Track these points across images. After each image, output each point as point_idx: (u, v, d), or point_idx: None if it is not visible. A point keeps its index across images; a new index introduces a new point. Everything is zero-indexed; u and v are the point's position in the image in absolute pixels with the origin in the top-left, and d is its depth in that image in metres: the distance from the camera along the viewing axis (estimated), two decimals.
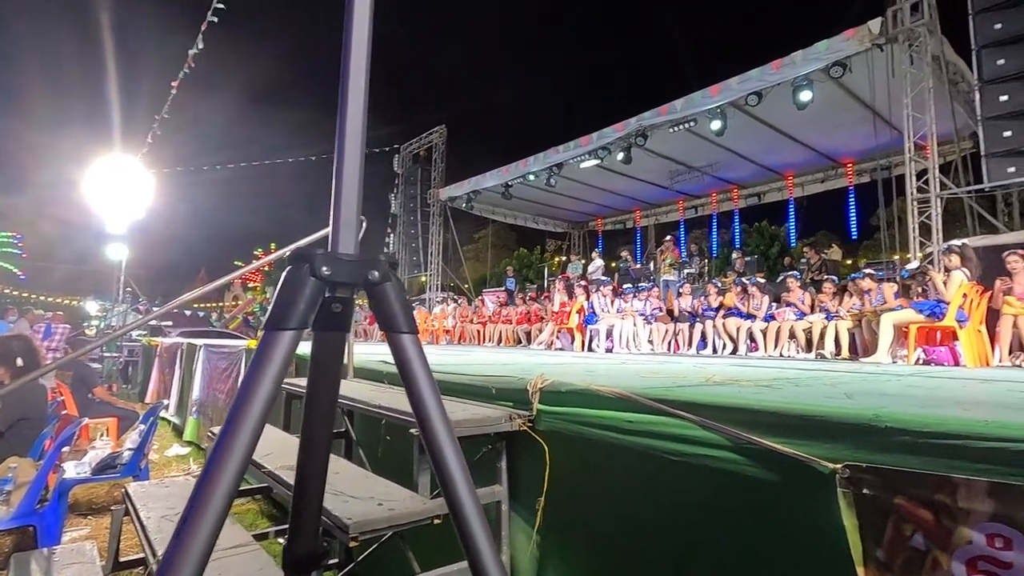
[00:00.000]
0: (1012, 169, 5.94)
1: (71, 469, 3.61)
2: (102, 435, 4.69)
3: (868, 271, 6.22)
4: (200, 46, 9.16)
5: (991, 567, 0.97)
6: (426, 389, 0.57)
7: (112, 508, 2.64)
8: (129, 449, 3.94)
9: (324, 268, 0.56)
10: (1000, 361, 4.64)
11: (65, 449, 3.72)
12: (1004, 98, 5.97)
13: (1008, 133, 5.93)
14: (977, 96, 6.19)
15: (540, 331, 9.15)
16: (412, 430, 1.98)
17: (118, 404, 5.79)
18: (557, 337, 8.61)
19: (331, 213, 0.58)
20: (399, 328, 0.59)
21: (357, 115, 0.59)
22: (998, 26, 6.04)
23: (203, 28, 9.03)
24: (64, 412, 4.80)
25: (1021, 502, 0.95)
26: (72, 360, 5.06)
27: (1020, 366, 4.45)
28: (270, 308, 0.54)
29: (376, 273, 0.59)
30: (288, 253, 0.57)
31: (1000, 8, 6.05)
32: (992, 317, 4.91)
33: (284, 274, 0.56)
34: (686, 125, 8.78)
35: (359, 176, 0.59)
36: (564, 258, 16.59)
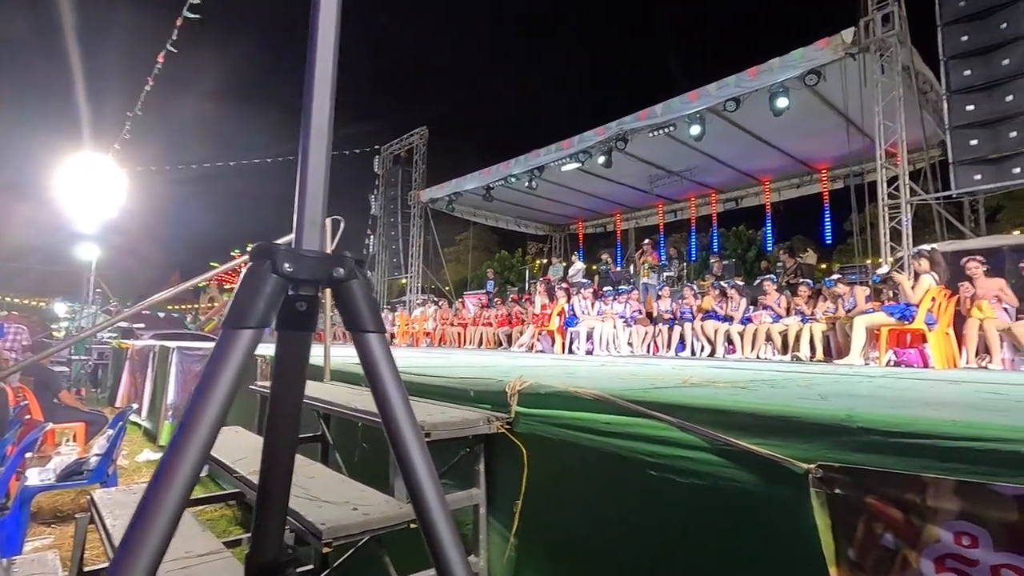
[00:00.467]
0: (978, 176, 6.13)
1: (34, 476, 3.49)
2: (68, 440, 4.55)
3: (837, 276, 6.36)
4: (174, 38, 8.98)
5: (958, 565, 0.98)
6: (392, 390, 0.55)
7: (77, 516, 2.55)
8: (96, 455, 3.82)
9: (286, 265, 0.54)
10: (967, 363, 4.77)
11: (28, 455, 3.59)
12: (970, 108, 6.16)
13: (975, 142, 6.12)
14: (945, 105, 6.38)
15: (521, 333, 9.15)
16: None
17: (85, 408, 5.62)
18: (538, 339, 8.62)
19: (295, 209, 0.56)
20: (365, 327, 0.57)
21: (323, 110, 0.57)
22: (965, 38, 6.23)
23: (178, 23, 8.86)
24: (28, 417, 4.65)
25: (987, 500, 0.97)
26: (32, 363, 4.90)
27: (986, 368, 4.58)
28: (229, 306, 0.52)
29: (341, 270, 0.57)
30: (250, 249, 0.54)
31: (967, 21, 6.25)
32: (959, 320, 5.05)
33: (244, 271, 0.54)
34: (666, 130, 8.89)
35: (325, 172, 0.57)
36: (545, 260, 16.63)
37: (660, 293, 8.51)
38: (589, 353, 7.63)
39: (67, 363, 10.42)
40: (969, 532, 0.98)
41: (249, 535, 2.97)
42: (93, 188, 11.85)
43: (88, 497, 2.59)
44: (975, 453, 1.03)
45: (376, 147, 16.35)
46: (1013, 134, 5.86)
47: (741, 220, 19.85)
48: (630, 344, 7.78)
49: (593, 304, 8.27)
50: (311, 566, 2.68)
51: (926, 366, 4.83)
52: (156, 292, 3.55)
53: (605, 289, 9.06)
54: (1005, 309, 4.84)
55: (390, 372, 0.57)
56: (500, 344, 9.69)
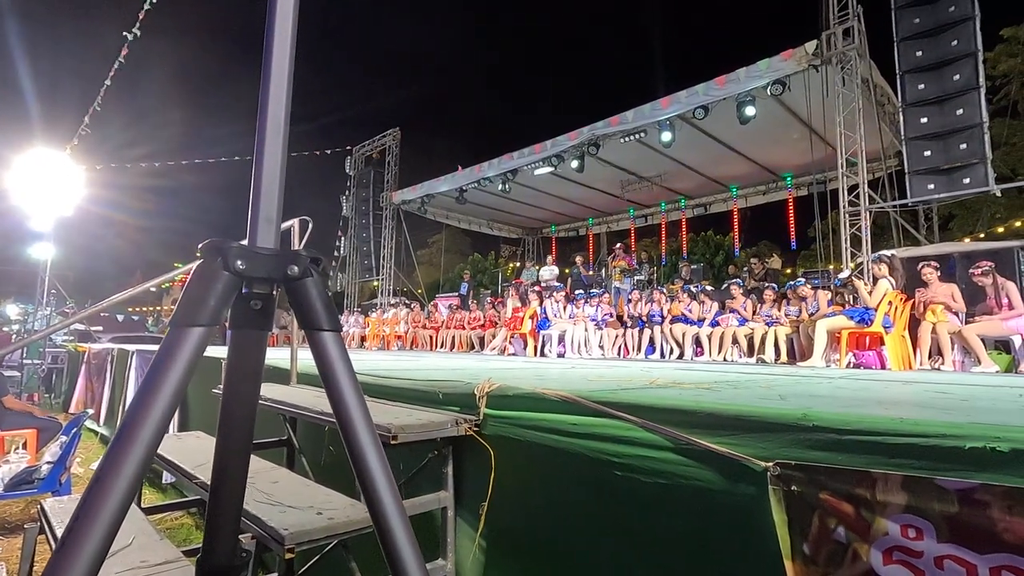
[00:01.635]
0: (932, 186, 6.40)
1: None
2: (17, 448, 4.34)
3: (803, 280, 6.56)
4: (136, 33, 8.70)
5: (905, 556, 1.02)
6: (348, 390, 0.55)
7: (26, 527, 2.44)
8: (48, 462, 3.66)
9: (239, 262, 0.53)
10: (920, 364, 4.97)
11: None
12: (924, 120, 6.43)
13: (928, 153, 6.40)
14: (901, 117, 6.65)
15: (493, 336, 9.14)
16: None
17: (37, 414, 5.37)
18: (510, 342, 8.62)
19: (249, 206, 0.55)
20: (319, 325, 0.56)
21: (279, 105, 0.56)
22: (919, 53, 6.52)
23: (140, 16, 8.59)
24: None
25: (931, 494, 1.01)
26: None
27: (939, 369, 4.78)
28: (177, 304, 0.51)
29: (296, 268, 0.56)
30: (200, 246, 0.53)
31: (921, 37, 6.54)
32: (915, 323, 5.26)
33: (194, 267, 0.52)
34: (637, 136, 9.02)
35: (280, 168, 0.56)
36: (518, 264, 16.67)
37: (631, 297, 8.62)
38: (561, 356, 7.68)
39: (19, 367, 9.96)
40: (915, 525, 1.02)
41: None
42: (48, 185, 11.36)
43: (38, 507, 2.48)
44: (920, 449, 1.07)
45: (348, 147, 16.15)
46: (963, 146, 6.14)
47: (710, 226, 20.25)
48: (601, 347, 7.85)
49: (565, 307, 8.32)
50: (275, 574, 2.62)
51: (883, 367, 5.01)
52: (116, 293, 3.43)
53: (577, 292, 9.14)
54: (956, 314, 5.07)
55: (345, 371, 0.56)
56: (473, 347, 9.66)
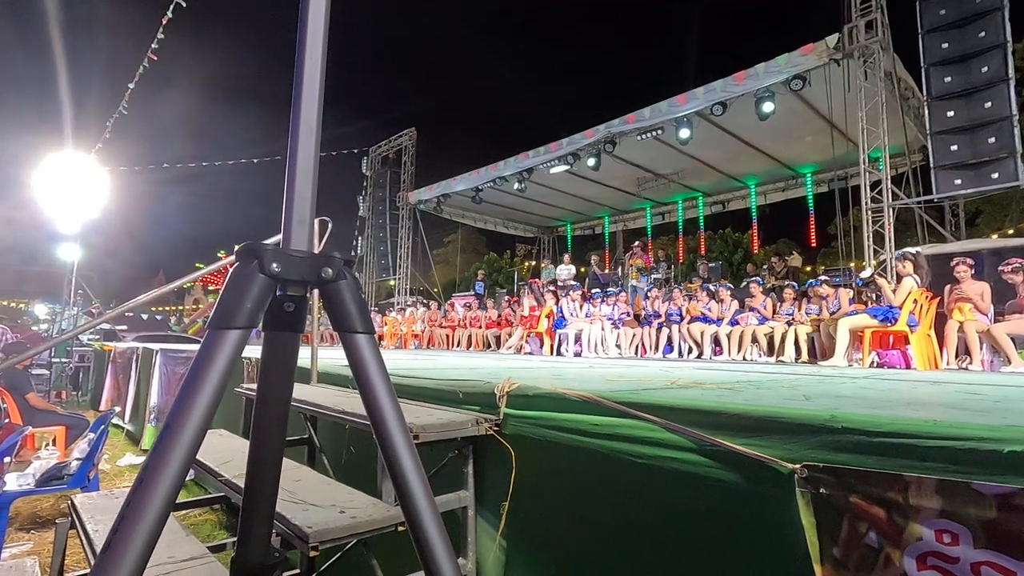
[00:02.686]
0: (959, 181, 6.25)
1: (12, 481, 3.42)
2: (48, 445, 4.46)
3: (824, 278, 6.45)
4: (160, 37, 8.87)
5: (940, 562, 1.00)
6: (382, 391, 0.55)
7: (57, 521, 2.50)
8: (77, 459, 3.75)
9: (274, 265, 0.53)
10: (947, 364, 4.86)
11: (7, 459, 3.52)
12: (951, 114, 6.28)
13: (955, 147, 6.24)
14: (926, 111, 6.50)
15: (510, 335, 9.14)
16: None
17: (60, 412, 5.51)
18: (526, 341, 8.62)
19: (283, 209, 0.56)
20: (353, 328, 0.57)
21: (312, 108, 0.56)
22: (945, 45, 6.36)
23: (163, 21, 8.75)
24: (7, 421, 4.55)
25: (968, 499, 0.98)
26: (9, 366, 4.80)
27: (966, 369, 4.67)
28: (215, 307, 0.51)
29: (330, 270, 0.56)
30: (236, 249, 0.54)
31: (947, 29, 6.38)
32: (940, 322, 5.14)
33: (231, 271, 0.53)
34: (653, 133, 8.95)
35: (313, 171, 0.57)
36: (533, 263, 16.65)
37: (648, 295, 8.56)
38: (577, 355, 7.65)
39: (47, 366, 10.22)
40: (950, 530, 0.99)
41: (234, 539, 2.95)
42: (74, 188, 11.64)
43: (68, 502, 2.54)
44: (956, 452, 1.05)
45: (364, 148, 16.28)
46: (992, 140, 5.98)
47: (728, 223, 20.03)
48: (618, 346, 7.81)
49: (581, 306, 8.30)
50: (297, 570, 2.66)
51: (908, 367, 4.91)
52: (139, 294, 3.50)
53: (593, 291, 9.10)
54: (984, 313, 4.94)
55: (379, 373, 0.56)
56: (489, 346, 9.68)
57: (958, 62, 6.29)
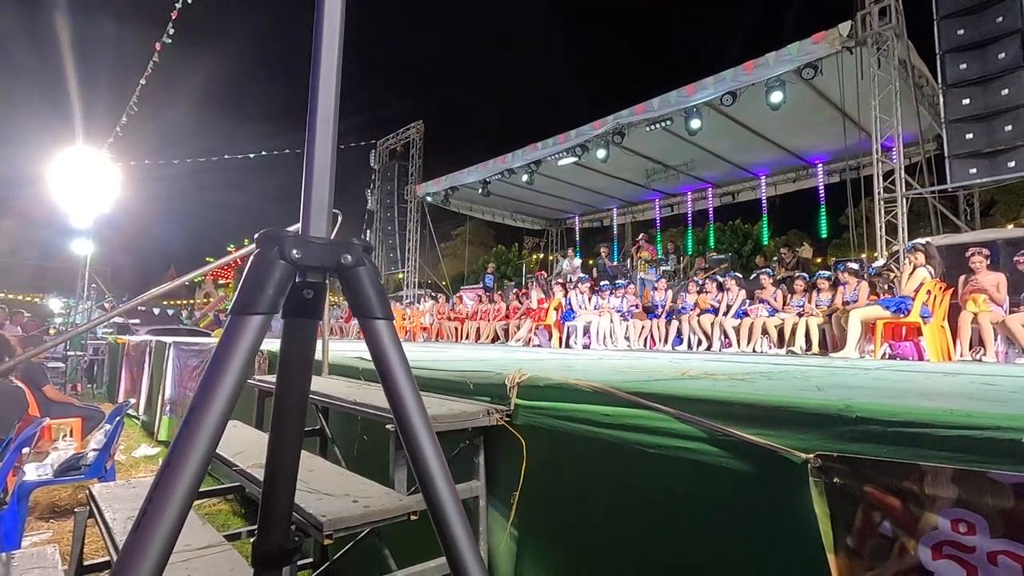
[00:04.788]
0: (974, 170, 6.15)
1: (32, 471, 3.48)
2: (65, 436, 4.53)
3: (852, 265, 6.35)
4: (171, 32, 8.89)
5: (955, 551, 0.99)
6: (402, 378, 0.55)
7: (75, 511, 2.54)
8: (94, 449, 3.81)
9: (294, 251, 0.54)
10: (961, 355, 4.81)
11: (26, 450, 3.58)
12: (966, 102, 6.17)
13: (970, 135, 6.14)
14: (941, 99, 6.38)
15: (518, 328, 9.15)
16: (388, 426, 1.95)
17: (76, 404, 5.60)
18: (535, 334, 8.63)
19: (301, 196, 0.56)
20: (373, 313, 0.57)
21: (329, 97, 0.56)
22: (961, 32, 6.24)
23: (173, 16, 8.77)
24: (26, 412, 4.63)
25: (985, 488, 0.98)
26: (25, 360, 4.87)
27: (980, 360, 4.62)
28: (236, 293, 0.52)
29: (349, 257, 0.57)
30: (256, 236, 0.54)
31: (963, 14, 6.25)
32: (954, 313, 5.08)
33: (252, 257, 0.53)
34: (663, 124, 8.87)
35: (331, 159, 0.57)
36: (541, 255, 16.63)
37: (656, 287, 8.52)
38: (586, 347, 7.65)
39: (63, 359, 10.38)
40: (966, 519, 0.99)
41: (249, 528, 3.00)
42: (87, 183, 11.75)
43: (86, 492, 2.58)
44: (973, 442, 1.04)
45: (372, 141, 16.28)
46: (1008, 128, 5.88)
47: (737, 214, 19.85)
48: (627, 338, 7.79)
49: (590, 298, 8.28)
50: (311, 559, 2.69)
51: (921, 359, 4.86)
52: (151, 287, 3.54)
53: (602, 283, 9.08)
54: (1000, 305, 4.88)
55: (399, 359, 0.56)
56: (497, 339, 9.70)
57: (974, 48, 6.17)
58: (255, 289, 0.52)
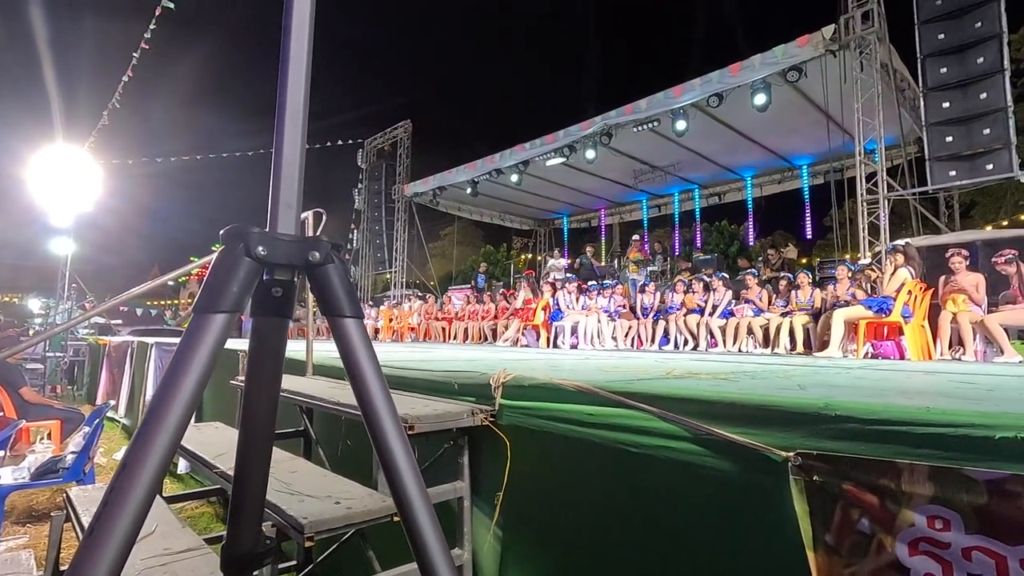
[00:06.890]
0: (953, 172, 6.26)
1: (8, 475, 3.41)
2: (43, 438, 4.45)
3: (850, 264, 6.40)
4: (152, 27, 8.76)
5: (931, 548, 1.00)
6: (371, 377, 0.54)
7: (52, 515, 2.49)
8: (72, 452, 3.74)
9: (260, 248, 0.52)
10: (941, 354, 4.89)
11: (1, 453, 3.51)
12: (946, 105, 6.28)
13: (950, 138, 6.25)
14: (922, 102, 6.49)
15: (506, 328, 9.14)
16: None
17: (56, 405, 5.49)
18: (523, 334, 8.62)
19: (270, 192, 0.55)
20: (342, 312, 0.56)
21: (298, 91, 0.55)
22: (941, 36, 6.35)
23: (156, 12, 8.65)
24: (1, 414, 4.53)
25: (959, 485, 0.99)
26: (2, 360, 4.76)
27: (960, 359, 4.69)
28: (200, 291, 0.51)
29: (317, 254, 0.55)
30: (222, 232, 0.53)
31: (943, 19, 6.37)
32: (934, 313, 5.17)
33: (217, 254, 0.52)
34: (650, 125, 8.92)
35: (300, 154, 0.56)
36: (529, 255, 16.63)
37: (644, 287, 8.57)
38: (574, 347, 7.66)
39: (42, 360, 10.18)
40: (942, 516, 1.00)
41: None
42: (68, 181, 11.53)
43: (64, 495, 2.53)
44: (948, 439, 1.05)
45: (360, 140, 16.18)
46: (987, 131, 5.99)
47: (724, 215, 20.00)
48: (614, 338, 7.82)
49: (578, 299, 8.30)
50: (295, 561, 2.66)
51: (902, 358, 4.93)
52: (133, 287, 3.48)
53: (590, 284, 9.10)
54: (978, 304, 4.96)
55: (368, 358, 0.55)
56: (485, 339, 9.68)
57: (954, 53, 6.28)
58: (219, 287, 0.50)
